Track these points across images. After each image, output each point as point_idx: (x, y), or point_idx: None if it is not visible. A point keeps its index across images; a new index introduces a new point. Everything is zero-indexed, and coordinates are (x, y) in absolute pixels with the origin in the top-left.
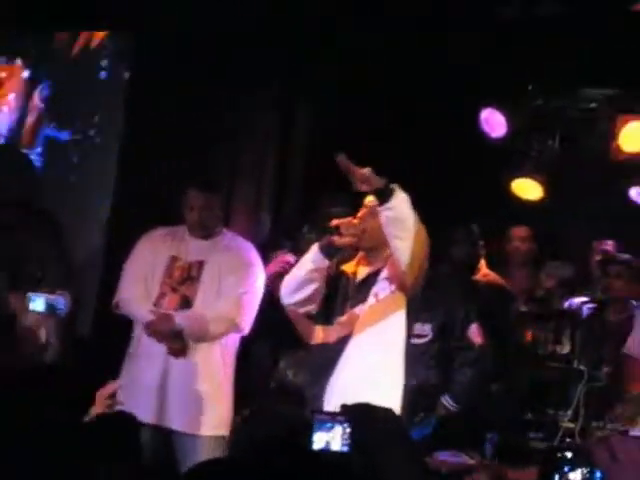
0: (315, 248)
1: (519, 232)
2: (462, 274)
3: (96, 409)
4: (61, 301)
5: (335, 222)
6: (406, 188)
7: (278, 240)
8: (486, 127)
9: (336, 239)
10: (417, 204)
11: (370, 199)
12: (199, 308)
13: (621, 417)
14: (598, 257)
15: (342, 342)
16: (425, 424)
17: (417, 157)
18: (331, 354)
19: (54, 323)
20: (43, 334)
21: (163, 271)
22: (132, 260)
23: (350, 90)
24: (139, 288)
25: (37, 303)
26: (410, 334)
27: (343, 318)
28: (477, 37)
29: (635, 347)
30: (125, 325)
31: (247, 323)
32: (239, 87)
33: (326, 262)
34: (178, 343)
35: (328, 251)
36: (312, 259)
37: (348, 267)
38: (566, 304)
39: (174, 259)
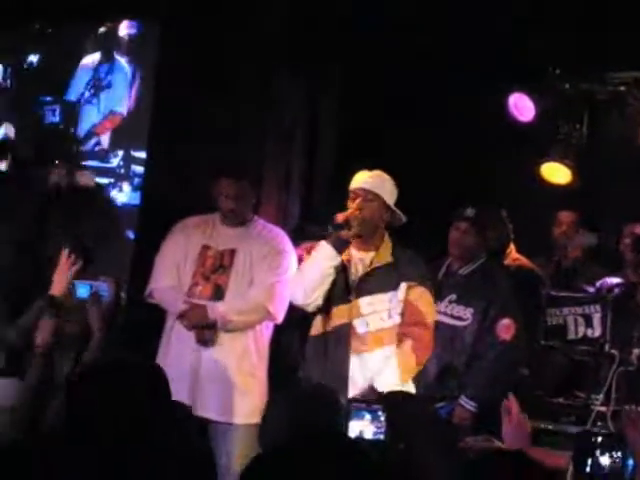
0: (327, 246)
1: (567, 217)
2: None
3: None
4: (105, 288)
5: (341, 217)
6: (434, 174)
7: (305, 226)
8: (514, 111)
9: (345, 233)
10: (445, 189)
11: (354, 184)
12: (231, 297)
13: None
14: (628, 240)
15: (339, 332)
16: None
17: (446, 142)
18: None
19: (97, 311)
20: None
21: (195, 260)
22: (165, 249)
23: (377, 71)
24: (171, 278)
25: (82, 290)
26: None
27: (344, 307)
28: (506, 20)
29: None
30: (157, 314)
31: (280, 311)
32: (268, 72)
33: (339, 258)
34: (208, 334)
35: (340, 246)
36: (328, 257)
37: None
38: (597, 285)
39: (206, 248)
